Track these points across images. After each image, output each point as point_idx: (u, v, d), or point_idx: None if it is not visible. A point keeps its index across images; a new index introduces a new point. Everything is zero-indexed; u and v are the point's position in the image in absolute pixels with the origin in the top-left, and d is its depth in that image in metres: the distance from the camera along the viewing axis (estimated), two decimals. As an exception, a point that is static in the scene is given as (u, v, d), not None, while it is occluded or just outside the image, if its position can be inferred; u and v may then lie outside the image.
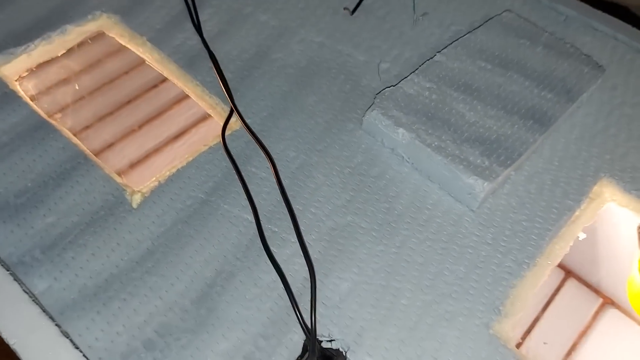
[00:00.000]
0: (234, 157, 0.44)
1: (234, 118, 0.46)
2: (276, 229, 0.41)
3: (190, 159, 0.44)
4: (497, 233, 0.43)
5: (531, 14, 0.57)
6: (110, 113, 0.49)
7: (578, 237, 0.44)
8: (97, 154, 0.45)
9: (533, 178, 0.46)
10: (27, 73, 0.49)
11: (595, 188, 0.46)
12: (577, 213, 0.45)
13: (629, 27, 0.57)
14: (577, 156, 0.48)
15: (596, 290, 0.51)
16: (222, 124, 0.46)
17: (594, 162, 0.47)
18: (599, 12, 0.57)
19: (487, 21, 0.53)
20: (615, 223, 0.48)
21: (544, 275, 0.42)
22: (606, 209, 0.46)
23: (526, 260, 0.41)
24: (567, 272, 0.45)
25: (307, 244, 0.40)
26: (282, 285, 0.38)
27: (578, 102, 0.49)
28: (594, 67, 0.50)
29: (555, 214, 0.44)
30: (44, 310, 0.36)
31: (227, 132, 0.46)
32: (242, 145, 0.45)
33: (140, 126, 0.49)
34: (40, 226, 0.39)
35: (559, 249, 0.43)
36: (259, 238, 0.39)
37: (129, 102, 0.50)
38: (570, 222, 0.44)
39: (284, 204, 0.42)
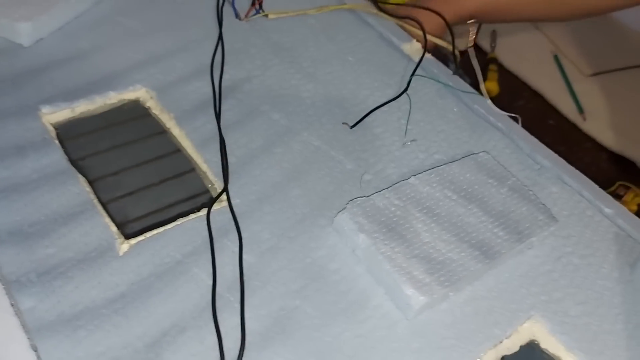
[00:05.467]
0: (216, 229, 0.51)
1: (224, 195, 0.54)
2: (232, 299, 0.48)
3: (179, 223, 0.52)
4: (424, 344, 0.48)
5: (510, 157, 0.64)
6: (128, 169, 0.57)
7: (497, 363, 0.50)
8: (106, 202, 0.52)
9: (470, 302, 0.52)
10: (66, 124, 0.58)
11: (525, 324, 0.51)
12: (502, 342, 0.50)
13: (595, 186, 0.63)
14: (517, 291, 0.53)
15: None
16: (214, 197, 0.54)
17: (530, 300, 0.53)
18: (571, 168, 0.64)
19: (464, 157, 0.61)
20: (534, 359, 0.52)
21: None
22: (529, 344, 0.51)
23: (442, 375, 0.47)
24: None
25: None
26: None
27: (527, 243, 0.55)
28: (548, 217, 0.57)
29: (481, 338, 0.49)
30: (23, 325, 0.43)
31: (217, 207, 0.53)
32: (225, 220, 0.53)
33: (152, 185, 0.56)
34: (41, 255, 0.47)
35: (477, 371, 0.48)
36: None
37: (146, 162, 0.58)
38: (493, 348, 0.49)
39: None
